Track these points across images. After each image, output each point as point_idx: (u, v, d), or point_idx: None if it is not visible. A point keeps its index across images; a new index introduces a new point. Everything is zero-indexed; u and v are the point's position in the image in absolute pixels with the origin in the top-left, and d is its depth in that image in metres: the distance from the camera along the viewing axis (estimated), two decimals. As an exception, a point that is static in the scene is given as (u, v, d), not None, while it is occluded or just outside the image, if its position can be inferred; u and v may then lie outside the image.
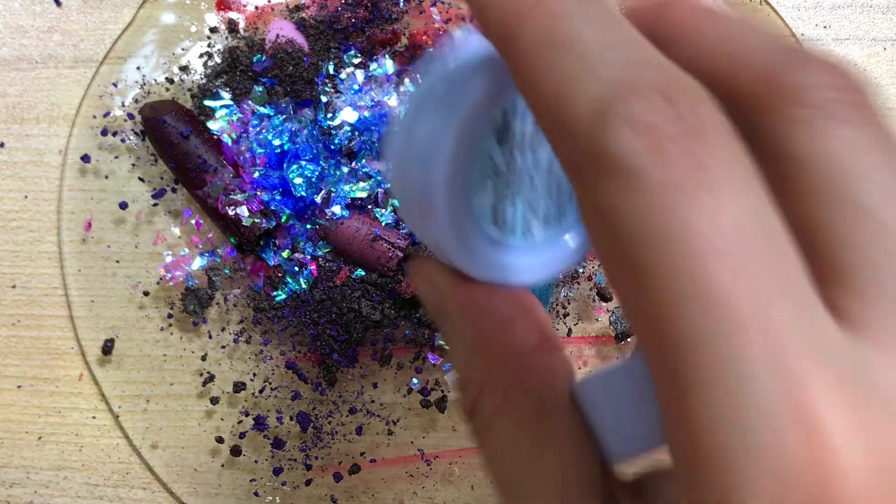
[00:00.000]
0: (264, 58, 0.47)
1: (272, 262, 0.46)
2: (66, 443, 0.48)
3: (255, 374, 0.48)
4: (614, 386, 0.18)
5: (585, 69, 0.14)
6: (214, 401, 0.48)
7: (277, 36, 0.46)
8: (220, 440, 0.47)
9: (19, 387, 0.49)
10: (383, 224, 0.46)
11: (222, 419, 0.48)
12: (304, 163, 0.45)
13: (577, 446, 0.18)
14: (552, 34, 0.15)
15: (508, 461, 0.18)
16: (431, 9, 0.48)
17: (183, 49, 0.49)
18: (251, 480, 0.48)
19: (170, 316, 0.48)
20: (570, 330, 0.48)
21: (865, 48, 0.49)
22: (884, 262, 0.14)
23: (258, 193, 0.45)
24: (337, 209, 0.46)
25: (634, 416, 0.17)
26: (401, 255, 0.46)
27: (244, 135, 0.46)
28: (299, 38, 0.47)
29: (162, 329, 0.48)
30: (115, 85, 0.48)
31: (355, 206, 0.46)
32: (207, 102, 0.47)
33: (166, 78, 0.48)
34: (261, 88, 0.46)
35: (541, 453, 0.18)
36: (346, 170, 0.46)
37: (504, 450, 0.19)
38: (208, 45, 0.49)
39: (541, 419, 0.18)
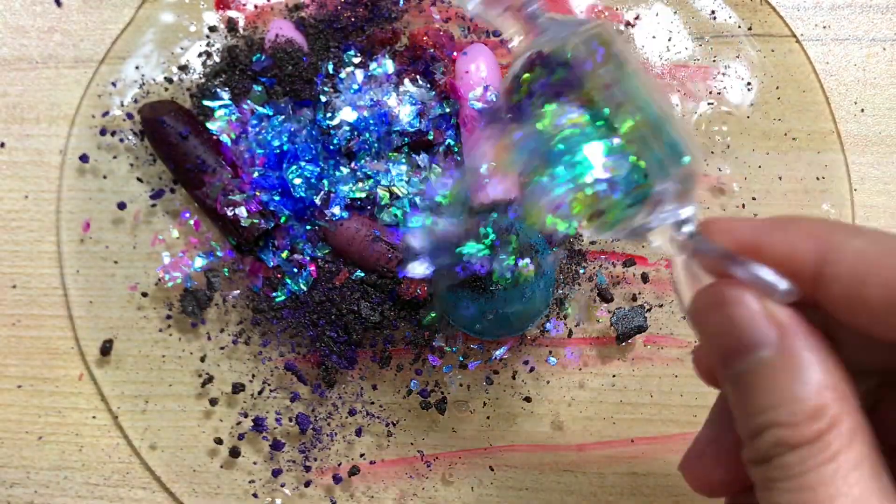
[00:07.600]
0: (263, 57, 0.46)
1: (271, 263, 0.46)
2: (66, 443, 0.48)
3: (253, 376, 0.48)
4: None
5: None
6: (213, 402, 0.47)
7: (277, 35, 0.46)
8: (218, 441, 0.47)
9: (19, 387, 0.49)
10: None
11: (221, 420, 0.48)
12: (303, 163, 0.45)
13: None
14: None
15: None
16: (431, 8, 0.48)
17: (182, 48, 0.48)
18: (250, 482, 0.48)
19: (168, 317, 0.48)
20: (570, 331, 0.47)
21: (865, 48, 0.48)
22: None
23: (257, 194, 0.45)
24: (336, 210, 0.45)
25: None
26: (400, 256, 0.45)
27: (243, 135, 0.46)
28: (299, 38, 0.47)
29: (161, 330, 0.48)
30: (114, 84, 0.48)
31: (355, 206, 0.46)
32: (206, 102, 0.47)
33: (165, 77, 0.48)
34: (260, 88, 0.46)
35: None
36: (345, 170, 0.46)
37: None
38: (207, 45, 0.48)
39: None
